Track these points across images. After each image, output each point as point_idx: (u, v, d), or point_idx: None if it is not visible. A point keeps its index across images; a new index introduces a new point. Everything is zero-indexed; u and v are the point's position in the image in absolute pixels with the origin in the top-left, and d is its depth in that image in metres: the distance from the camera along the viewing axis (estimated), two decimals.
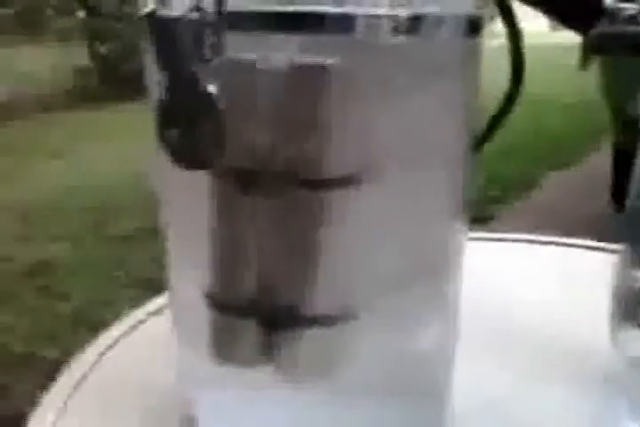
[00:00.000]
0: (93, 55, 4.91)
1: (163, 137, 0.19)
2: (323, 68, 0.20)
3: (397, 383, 0.27)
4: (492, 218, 2.09)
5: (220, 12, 0.17)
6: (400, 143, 0.22)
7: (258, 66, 0.20)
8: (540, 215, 2.12)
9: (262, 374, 0.25)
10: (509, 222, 2.06)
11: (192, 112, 0.18)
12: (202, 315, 0.25)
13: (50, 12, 4.95)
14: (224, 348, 0.25)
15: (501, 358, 0.36)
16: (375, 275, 0.24)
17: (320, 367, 0.25)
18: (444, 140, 0.23)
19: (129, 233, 1.99)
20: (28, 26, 4.94)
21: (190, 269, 0.25)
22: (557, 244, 0.52)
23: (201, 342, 0.25)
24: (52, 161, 2.96)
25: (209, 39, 0.18)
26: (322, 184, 0.21)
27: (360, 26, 0.20)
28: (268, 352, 0.24)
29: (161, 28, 0.17)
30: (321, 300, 0.23)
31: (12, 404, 1.18)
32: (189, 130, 0.19)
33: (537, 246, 0.52)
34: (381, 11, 0.20)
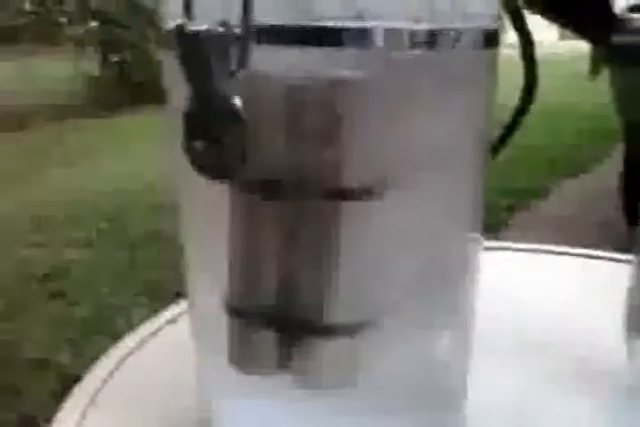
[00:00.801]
0: (106, 63, 4.96)
1: (187, 147, 0.20)
2: (343, 82, 0.20)
3: (414, 391, 0.27)
4: (503, 226, 2.08)
5: (246, 27, 0.18)
6: (418, 154, 0.22)
7: (279, 79, 0.20)
8: (552, 224, 2.11)
9: (281, 383, 0.25)
10: (521, 231, 2.05)
11: (217, 124, 0.19)
12: (221, 322, 0.25)
13: (64, 21, 5.01)
14: (243, 356, 0.25)
15: (515, 368, 0.36)
16: (393, 284, 0.24)
17: (338, 376, 0.25)
18: (462, 150, 0.24)
19: (143, 239, 2.00)
20: (44, 35, 5.00)
21: (209, 277, 0.26)
22: (570, 254, 0.52)
23: (220, 350, 0.26)
24: (67, 167, 2.99)
25: (235, 53, 0.18)
26: (341, 194, 0.22)
27: (379, 40, 0.20)
28: (286, 361, 0.24)
29: (188, 41, 0.18)
30: (339, 309, 0.23)
31: (24, 407, 1.19)
32: (214, 141, 0.19)
33: (550, 256, 0.52)
34: (400, 25, 0.20)
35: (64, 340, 1.42)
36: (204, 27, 0.18)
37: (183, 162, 0.21)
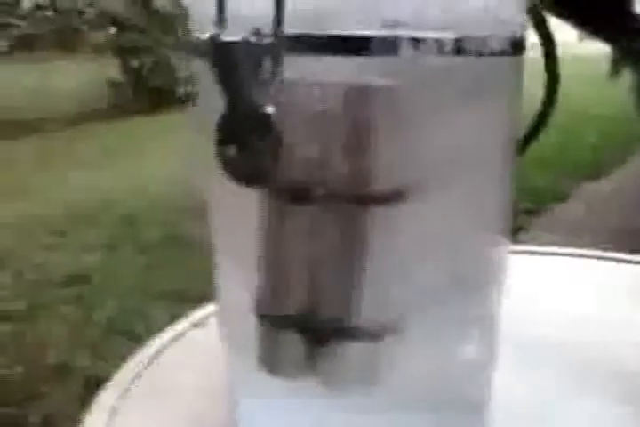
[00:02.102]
0: (125, 69, 5.01)
1: (220, 154, 0.20)
2: (371, 89, 0.20)
3: (438, 396, 0.27)
4: (521, 230, 2.07)
5: (278, 36, 0.18)
6: (446, 160, 0.23)
7: (309, 86, 0.20)
8: (572, 227, 2.09)
9: (307, 385, 0.25)
10: (541, 234, 2.04)
11: (250, 132, 0.19)
12: (250, 325, 0.25)
13: (83, 27, 5.08)
14: (272, 358, 0.26)
15: (538, 370, 0.35)
16: (420, 289, 0.24)
17: (363, 380, 0.25)
18: (489, 156, 0.24)
19: (160, 243, 2.01)
20: (63, 42, 5.07)
21: (239, 281, 0.26)
22: (590, 256, 0.51)
23: (249, 352, 0.26)
24: (86, 171, 3.02)
25: (267, 62, 0.19)
26: (368, 199, 0.22)
27: (406, 48, 0.20)
28: (313, 364, 0.25)
29: (221, 52, 0.18)
30: (366, 313, 0.23)
31: (47, 411, 1.20)
32: (247, 148, 0.20)
33: (569, 259, 0.52)
34: (427, 33, 0.20)
35: (84, 343, 1.44)
36: (237, 37, 0.18)
37: (213, 168, 0.21)
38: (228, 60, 0.18)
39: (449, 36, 0.21)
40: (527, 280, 0.45)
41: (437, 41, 0.20)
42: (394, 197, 0.22)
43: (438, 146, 0.22)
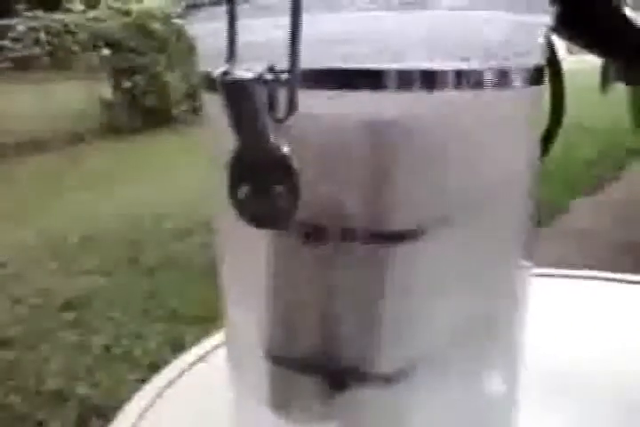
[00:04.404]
0: (118, 89, 5.02)
1: (233, 196, 0.19)
2: (390, 124, 0.19)
3: None
4: None
5: (293, 72, 0.17)
6: (466, 194, 0.22)
7: (324, 122, 0.19)
8: (570, 242, 2.09)
9: None
10: (540, 249, 2.03)
11: (265, 172, 0.18)
12: (260, 367, 0.24)
13: (77, 49, 5.10)
14: (285, 403, 0.24)
15: (558, 401, 0.34)
16: (441, 328, 0.23)
17: (381, 423, 0.24)
18: (510, 188, 0.23)
19: (160, 265, 1.99)
20: (58, 63, 5.08)
21: (249, 323, 0.25)
22: (597, 278, 0.50)
23: (259, 397, 0.25)
24: (82, 192, 3.00)
25: (282, 99, 0.18)
26: (388, 237, 0.21)
27: (425, 81, 0.19)
28: (329, 408, 0.23)
29: (234, 90, 0.17)
30: (384, 356, 0.22)
31: None
32: (262, 190, 0.18)
33: (574, 281, 0.51)
34: (447, 66, 0.19)
35: (82, 369, 1.41)
36: (250, 74, 0.17)
37: (223, 206, 0.20)
38: (241, 98, 0.17)
39: (468, 68, 0.20)
40: (547, 305, 0.44)
41: (456, 74, 0.19)
42: (410, 234, 0.21)
43: (458, 181, 0.21)
